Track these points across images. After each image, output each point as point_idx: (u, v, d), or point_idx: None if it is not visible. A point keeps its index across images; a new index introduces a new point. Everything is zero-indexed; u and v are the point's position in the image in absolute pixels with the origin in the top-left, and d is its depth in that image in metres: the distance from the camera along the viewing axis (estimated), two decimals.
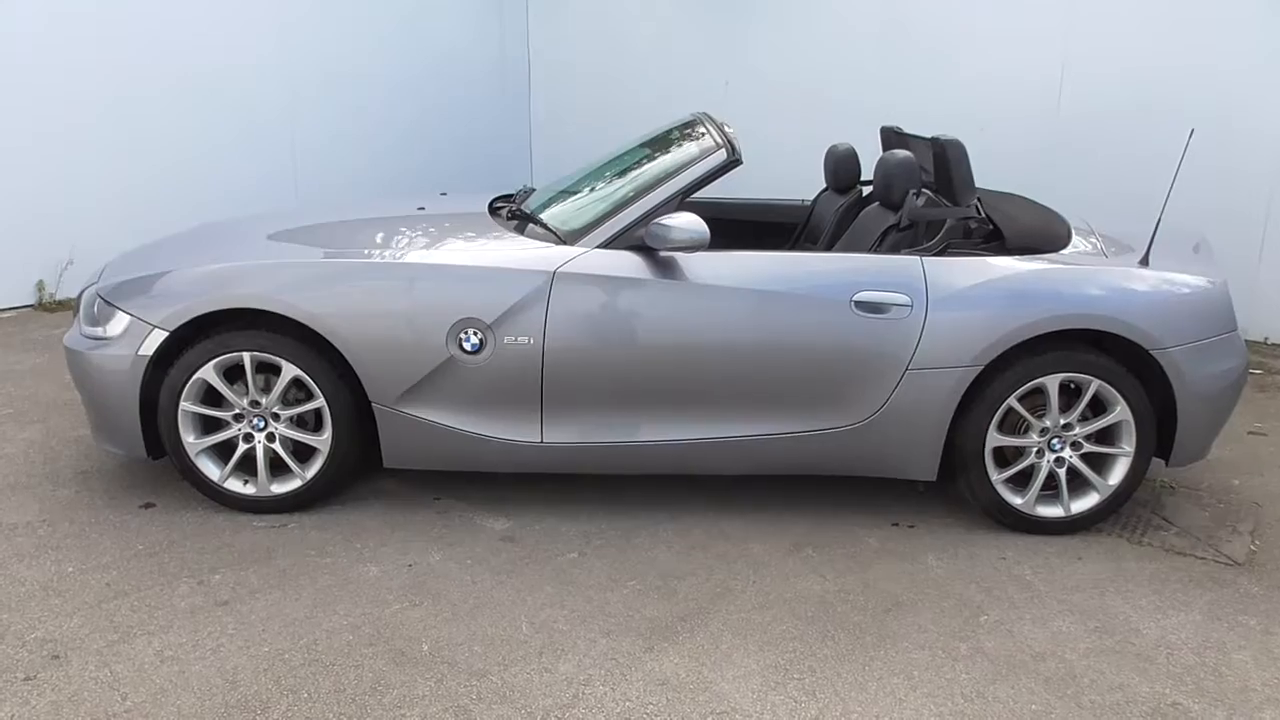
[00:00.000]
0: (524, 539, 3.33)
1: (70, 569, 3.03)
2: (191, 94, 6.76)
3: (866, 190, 4.30)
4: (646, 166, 3.73)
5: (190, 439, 3.37)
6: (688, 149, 3.62)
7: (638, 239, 3.33)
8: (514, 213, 3.88)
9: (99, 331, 3.38)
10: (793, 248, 4.59)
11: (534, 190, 4.32)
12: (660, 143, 4.00)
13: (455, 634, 2.75)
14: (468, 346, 3.26)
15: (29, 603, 2.84)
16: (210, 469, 3.41)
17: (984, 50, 6.79)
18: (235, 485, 3.43)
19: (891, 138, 4.45)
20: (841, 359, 3.32)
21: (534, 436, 3.37)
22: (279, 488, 3.43)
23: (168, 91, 6.63)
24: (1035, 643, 2.80)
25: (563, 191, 4.02)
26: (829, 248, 4.16)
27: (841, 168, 4.41)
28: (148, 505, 3.49)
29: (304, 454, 3.43)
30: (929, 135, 4.18)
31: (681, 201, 3.40)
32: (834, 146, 4.48)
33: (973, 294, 3.33)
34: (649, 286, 3.29)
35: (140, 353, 3.29)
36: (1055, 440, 3.40)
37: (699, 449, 3.38)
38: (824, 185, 4.61)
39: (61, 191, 6.22)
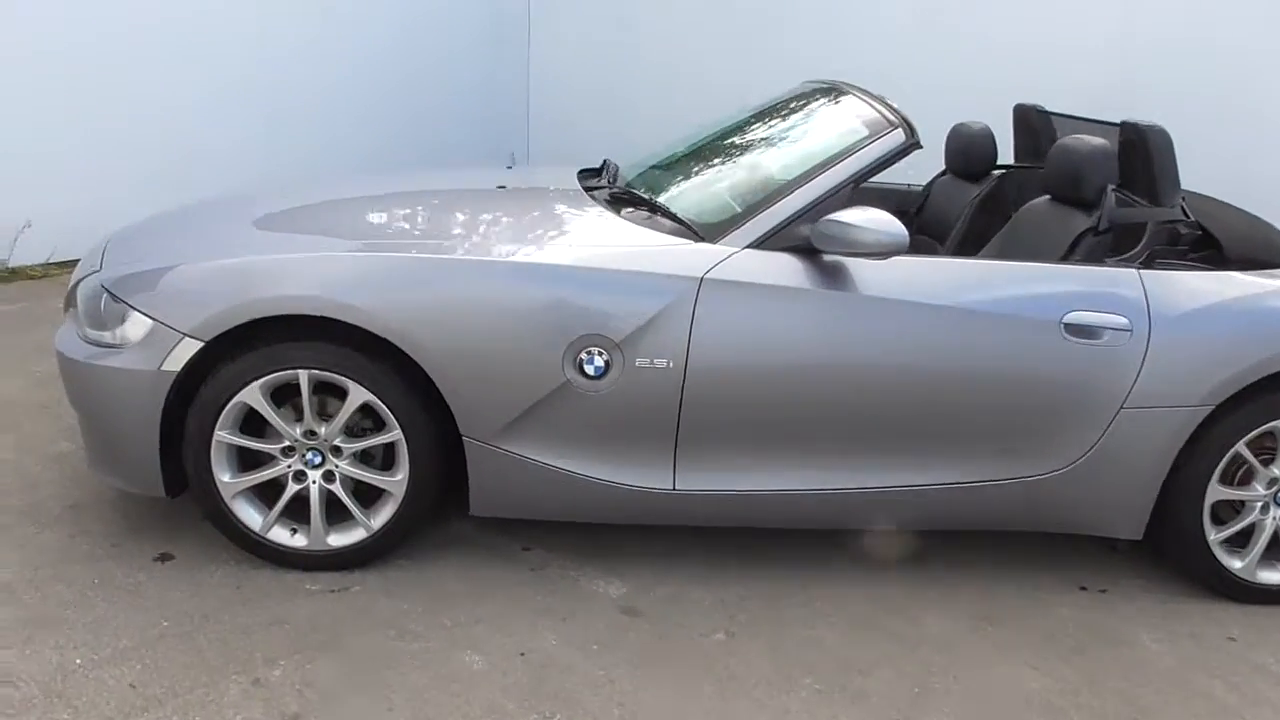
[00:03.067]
0: (649, 610, 2.67)
1: (78, 660, 2.29)
2: (160, 47, 5.82)
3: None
4: (790, 146, 3.05)
5: (225, 477, 2.64)
6: (845, 126, 2.94)
7: (798, 238, 2.66)
8: (619, 195, 3.15)
9: (107, 336, 2.62)
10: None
11: (616, 167, 3.59)
12: (787, 113, 3.32)
13: None
14: (590, 370, 2.57)
15: (26, 718, 2.11)
16: (250, 515, 2.68)
17: (1032, 16, 6.05)
18: (281, 535, 2.71)
19: (1032, 118, 3.81)
20: (1044, 393, 2.70)
21: (664, 482, 2.70)
22: (338, 539, 2.71)
23: (135, 44, 5.71)
24: None
25: (667, 169, 3.32)
26: (962, 247, 3.53)
27: (975, 150, 3.76)
28: (164, 557, 2.75)
29: (367, 497, 2.72)
30: (1085, 116, 3.57)
31: (853, 192, 2.73)
32: (963, 125, 3.82)
33: (1205, 316, 2.72)
34: (810, 298, 2.62)
35: (164, 367, 2.53)
36: None
37: (865, 500, 2.74)
38: (940, 168, 3.97)
39: (19, 145, 5.31)
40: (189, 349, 2.52)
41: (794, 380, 2.62)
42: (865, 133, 2.79)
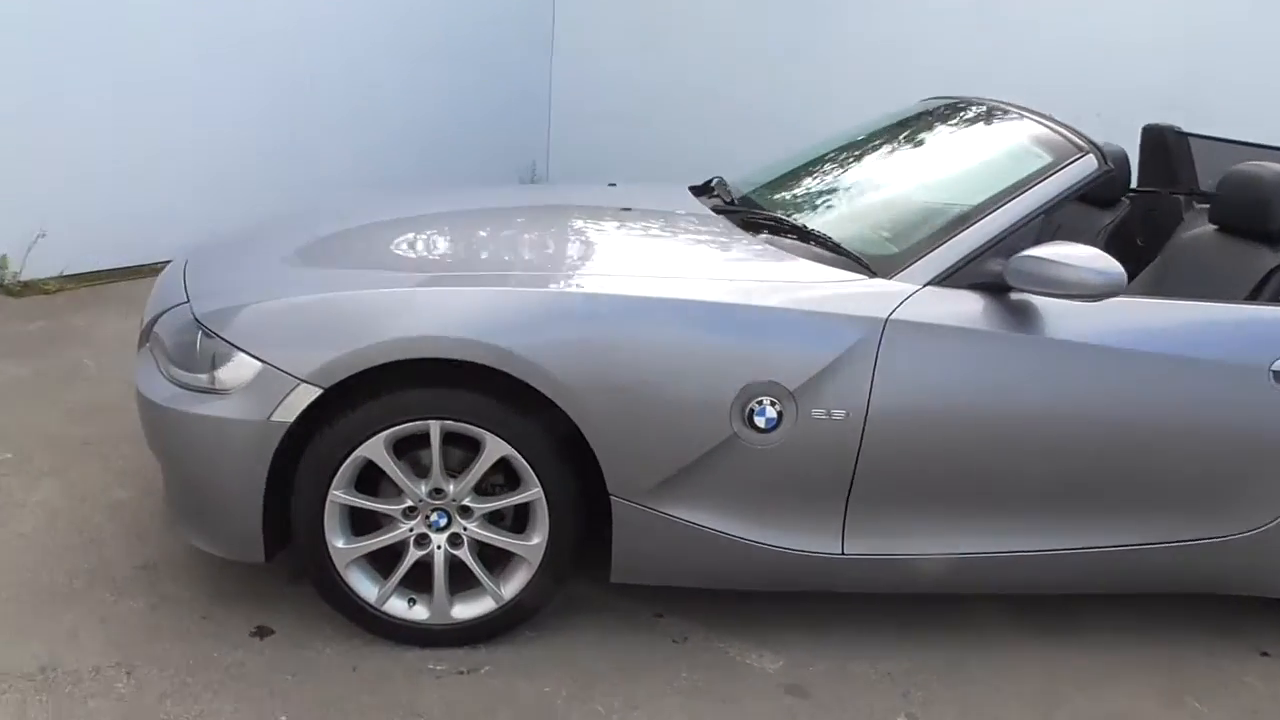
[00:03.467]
0: (814, 688, 2.38)
1: None
2: (183, 53, 5.41)
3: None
4: (948, 170, 2.78)
5: (339, 543, 2.31)
6: (1016, 148, 2.67)
7: (986, 274, 2.38)
8: (757, 220, 2.85)
9: (202, 379, 2.28)
10: None
11: (732, 186, 3.30)
12: (923, 132, 3.05)
13: None
14: (760, 421, 2.27)
15: None
16: (364, 585, 2.36)
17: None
18: (398, 607, 2.38)
19: (1168, 139, 3.57)
20: (1247, 446, 2.45)
21: (832, 546, 2.40)
22: (463, 611, 2.39)
23: (157, 46, 5.31)
24: None
25: (793, 191, 3.03)
26: None
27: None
28: (262, 631, 2.41)
29: (491, 563, 2.41)
30: (1231, 139, 3.33)
31: (1045, 222, 2.47)
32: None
33: None
34: (1003, 342, 2.35)
35: (275, 417, 2.20)
36: None
37: (1048, 563, 2.47)
38: None
39: (30, 149, 4.91)
40: (305, 397, 2.19)
41: (984, 434, 2.34)
42: (1049, 157, 2.52)
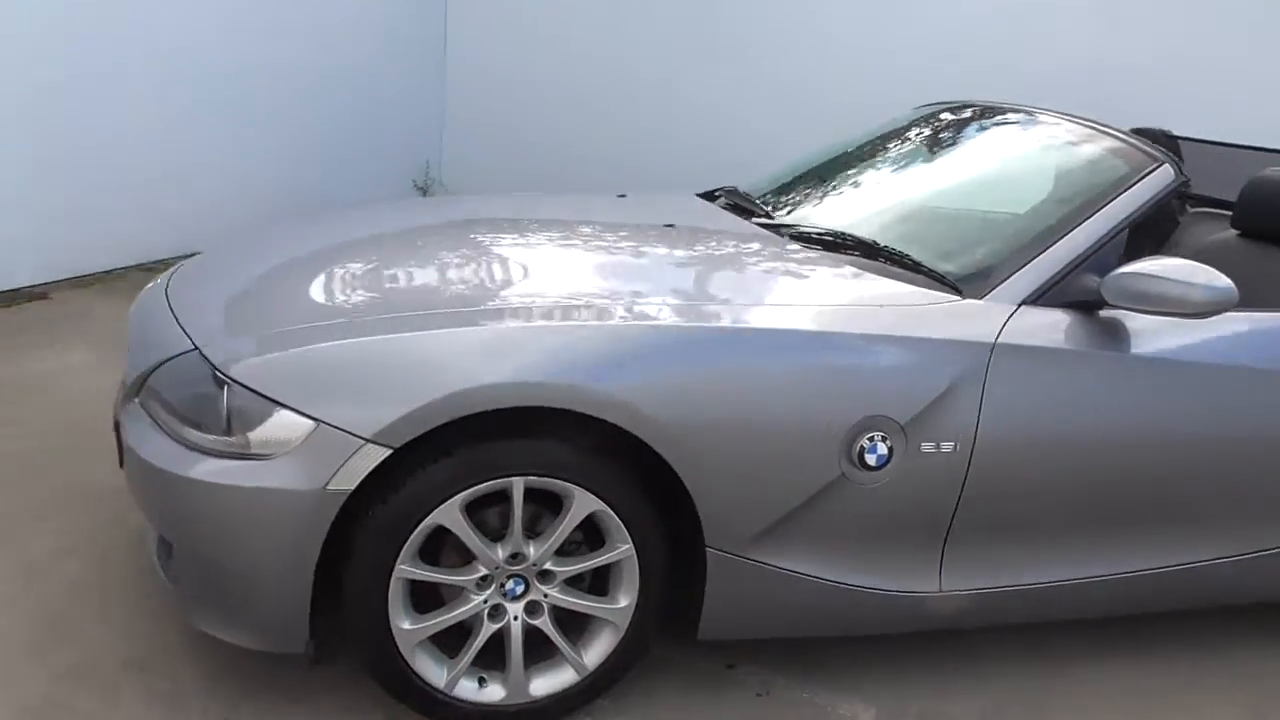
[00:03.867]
0: None
1: None
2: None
3: None
4: (1005, 181, 2.67)
5: (406, 624, 1.99)
6: (1082, 159, 2.59)
7: (1078, 291, 2.28)
8: (807, 236, 2.66)
9: (233, 442, 1.92)
10: None
11: (743, 192, 3.10)
12: (953, 139, 2.94)
13: None
14: (871, 459, 2.09)
15: None
16: (430, 669, 2.05)
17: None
18: (467, 690, 2.08)
19: (1159, 142, 3.59)
20: None
21: (930, 584, 2.26)
22: (543, 685, 2.11)
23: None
24: None
25: (821, 202, 2.87)
26: None
27: None
28: None
29: (564, 627, 2.14)
30: (1226, 142, 3.38)
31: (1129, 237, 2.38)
32: None
33: None
34: (1099, 363, 2.25)
35: (333, 485, 1.87)
36: None
37: (1152, 583, 2.40)
38: None
39: None
40: (370, 459, 1.87)
41: (1085, 459, 2.24)
42: (1125, 168, 2.45)
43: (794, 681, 2.38)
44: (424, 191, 7.80)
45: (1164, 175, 2.40)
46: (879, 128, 3.18)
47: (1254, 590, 2.60)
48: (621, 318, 2.05)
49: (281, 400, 1.89)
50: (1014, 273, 2.29)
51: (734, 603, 2.16)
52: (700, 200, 3.06)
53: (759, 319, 2.11)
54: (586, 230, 2.71)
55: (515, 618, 2.07)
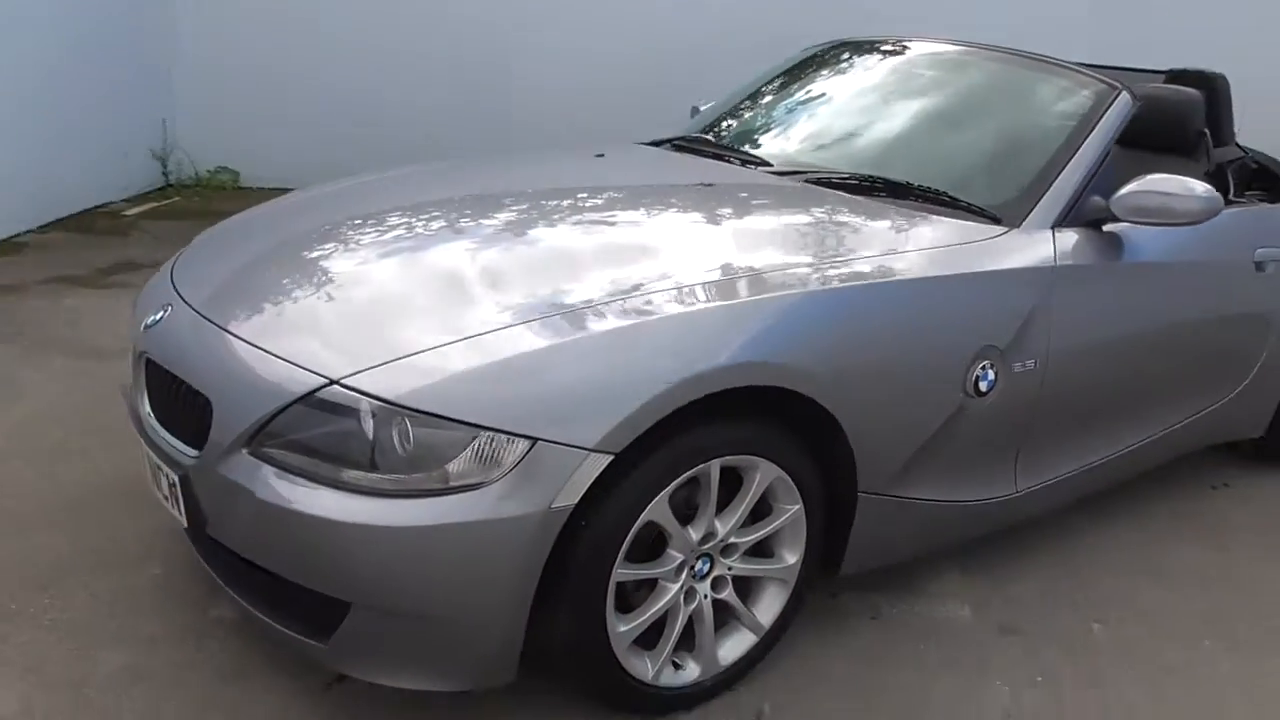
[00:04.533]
0: (1024, 625, 2.51)
1: None
2: None
3: None
4: (968, 114, 2.92)
5: (622, 627, 1.95)
6: (1042, 92, 2.88)
7: (1090, 211, 2.56)
8: (832, 181, 2.72)
9: (427, 478, 1.75)
10: None
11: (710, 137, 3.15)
12: (909, 69, 3.16)
13: None
14: (983, 386, 2.29)
15: None
16: (637, 665, 2.02)
17: None
18: (669, 677, 2.08)
19: None
20: (1245, 326, 3.01)
21: (1008, 488, 2.52)
22: (727, 654, 2.15)
23: None
24: None
25: (825, 144, 2.99)
26: None
27: None
28: None
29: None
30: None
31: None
32: None
33: None
34: (1115, 271, 2.59)
35: (559, 502, 1.77)
36: None
37: (1146, 448, 2.86)
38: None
39: None
40: (593, 469, 1.79)
41: (1120, 353, 2.62)
42: (1093, 97, 2.75)
43: (894, 600, 2.57)
44: (163, 161, 6.98)
45: (1126, 100, 2.75)
46: (784, 65, 3.35)
47: (1196, 442, 3.13)
48: (777, 288, 2.06)
49: (483, 423, 1.75)
50: (1038, 200, 2.54)
51: (872, 538, 2.30)
52: (684, 153, 3.07)
53: (878, 271, 2.21)
54: (643, 199, 2.66)
55: (705, 596, 2.08)
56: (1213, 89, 3.29)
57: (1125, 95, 2.75)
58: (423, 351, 1.85)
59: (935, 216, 2.51)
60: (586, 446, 1.77)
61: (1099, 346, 2.54)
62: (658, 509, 1.90)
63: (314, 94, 6.80)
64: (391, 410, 1.77)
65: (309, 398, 1.82)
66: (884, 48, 3.26)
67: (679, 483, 1.92)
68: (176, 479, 1.99)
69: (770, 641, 2.22)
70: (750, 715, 2.13)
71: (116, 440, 2.90)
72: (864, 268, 2.21)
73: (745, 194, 2.67)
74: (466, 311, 1.98)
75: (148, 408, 2.16)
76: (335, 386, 1.81)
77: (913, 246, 2.33)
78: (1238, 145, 3.42)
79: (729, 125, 3.28)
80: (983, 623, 2.51)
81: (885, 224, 2.45)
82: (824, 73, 3.34)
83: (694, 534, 2.01)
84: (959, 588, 2.64)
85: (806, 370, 1.99)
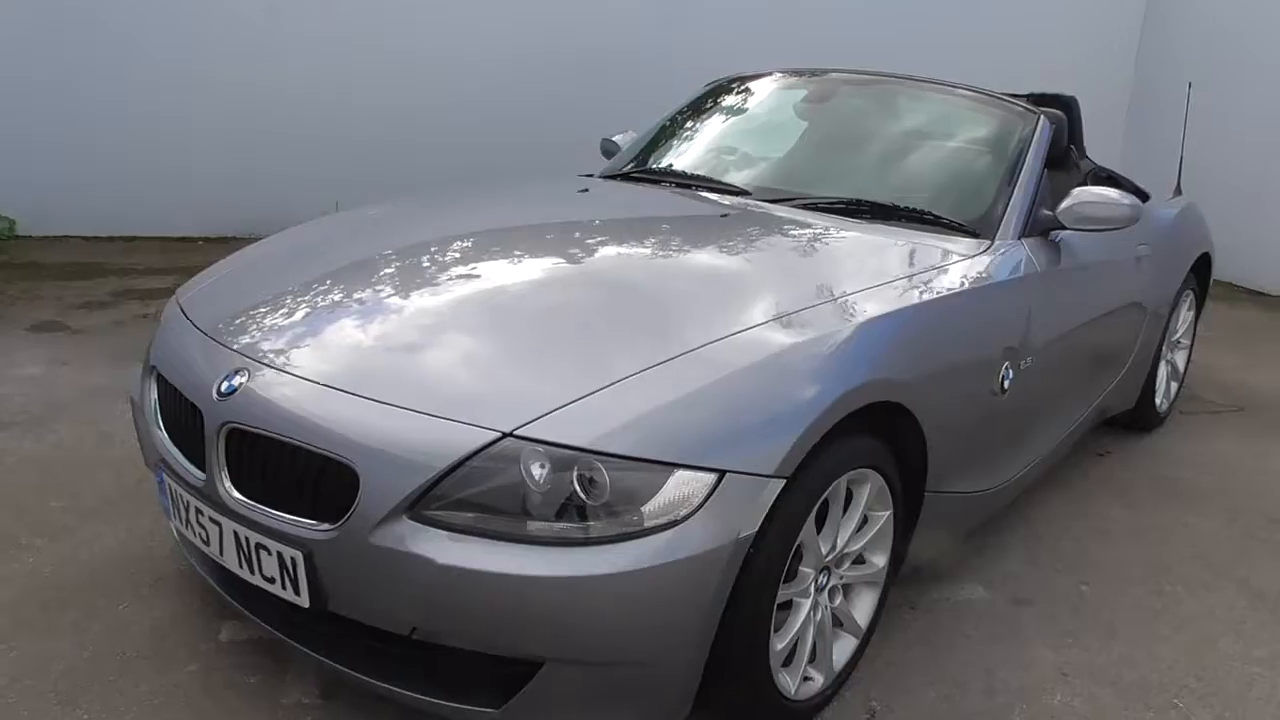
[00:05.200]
0: (1032, 595, 2.80)
1: None
2: None
3: None
4: (912, 140, 3.20)
5: (779, 645, 2.00)
6: (971, 121, 3.22)
7: (1042, 221, 2.91)
8: (820, 207, 2.88)
9: (623, 523, 1.73)
10: None
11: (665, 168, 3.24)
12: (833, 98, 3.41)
13: None
14: (1007, 383, 2.55)
15: None
16: (784, 681, 2.07)
17: None
18: (803, 689, 2.15)
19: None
20: (1134, 313, 3.50)
21: (1008, 474, 2.81)
22: (838, 659, 2.26)
23: None
24: None
25: (789, 170, 3.18)
26: None
27: None
28: None
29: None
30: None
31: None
32: None
33: (1180, 232, 3.82)
34: (1065, 272, 2.95)
35: (745, 531, 1.81)
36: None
37: (1080, 427, 3.30)
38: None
39: None
40: (770, 493, 1.84)
41: (1073, 343, 2.99)
42: (1022, 122, 3.12)
43: (924, 588, 2.78)
44: None
45: (1046, 124, 3.14)
46: (696, 96, 3.56)
47: (1100, 415, 3.60)
48: (860, 311, 2.19)
49: (676, 460, 1.76)
50: (1004, 215, 2.85)
51: (926, 534, 2.49)
52: (648, 185, 3.14)
53: (934, 286, 2.39)
54: (682, 231, 2.70)
55: (826, 607, 2.17)
56: (1069, 109, 3.80)
57: (1044, 119, 3.14)
58: (588, 396, 1.82)
59: (934, 236, 2.74)
60: (767, 473, 1.82)
61: (1058, 339, 2.89)
62: (807, 528, 1.98)
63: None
64: (575, 457, 1.73)
65: (481, 453, 1.74)
66: (800, 79, 3.52)
67: (821, 500, 2.00)
68: (300, 556, 1.82)
69: (865, 643, 2.35)
70: (863, 714, 2.24)
71: None
72: (924, 284, 2.39)
73: (763, 224, 2.77)
74: (603, 351, 1.96)
75: (229, 486, 1.94)
76: (509, 439, 1.74)
77: (946, 262, 2.55)
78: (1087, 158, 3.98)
79: (673, 157, 3.37)
80: (999, 598, 2.77)
81: (907, 243, 2.66)
82: (739, 103, 3.53)
83: (824, 548, 2.10)
84: (963, 570, 2.90)
85: (907, 384, 2.14)
